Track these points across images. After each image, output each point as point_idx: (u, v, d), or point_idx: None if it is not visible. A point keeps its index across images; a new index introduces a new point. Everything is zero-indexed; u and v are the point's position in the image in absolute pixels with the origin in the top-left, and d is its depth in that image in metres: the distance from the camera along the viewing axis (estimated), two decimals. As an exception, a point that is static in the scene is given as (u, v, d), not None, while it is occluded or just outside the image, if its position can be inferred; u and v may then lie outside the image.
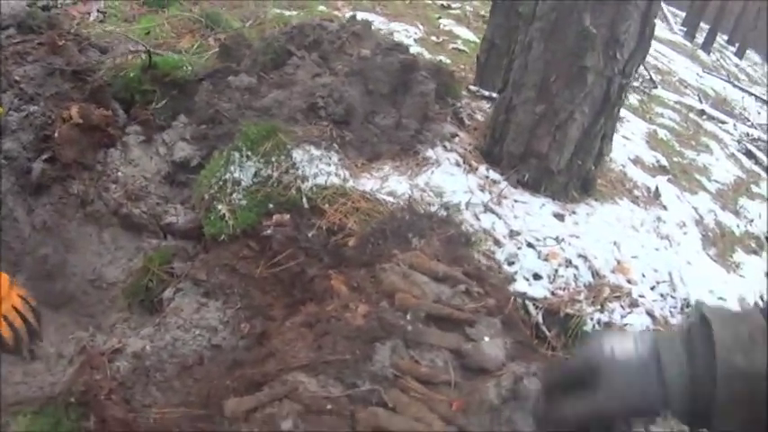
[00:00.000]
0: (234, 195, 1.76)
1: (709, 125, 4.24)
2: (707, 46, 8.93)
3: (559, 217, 1.90)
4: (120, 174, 2.12)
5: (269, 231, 1.68)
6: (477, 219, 1.73)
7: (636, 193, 2.39)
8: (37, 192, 2.04)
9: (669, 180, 2.79)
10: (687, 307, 1.79)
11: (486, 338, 1.32)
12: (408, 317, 1.29)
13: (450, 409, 1.23)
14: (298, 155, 1.78)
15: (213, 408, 1.40)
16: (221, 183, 1.80)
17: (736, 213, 3.01)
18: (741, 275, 2.37)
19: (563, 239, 1.79)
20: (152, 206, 2.03)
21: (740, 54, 10.86)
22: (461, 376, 1.26)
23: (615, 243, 1.91)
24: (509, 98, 2.01)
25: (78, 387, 1.47)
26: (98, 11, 3.08)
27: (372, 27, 2.39)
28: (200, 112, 2.14)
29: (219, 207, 1.76)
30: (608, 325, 1.58)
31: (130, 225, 2.04)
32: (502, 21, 2.53)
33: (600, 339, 0.97)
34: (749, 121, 5.18)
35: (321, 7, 3.53)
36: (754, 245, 2.81)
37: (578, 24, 1.84)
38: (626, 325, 1.61)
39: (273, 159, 1.78)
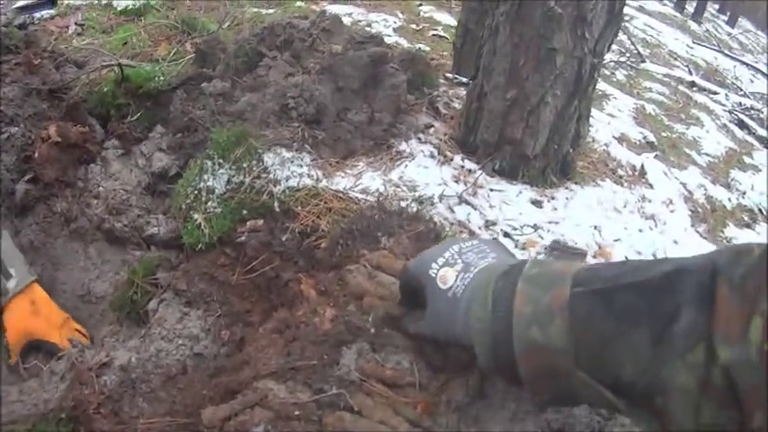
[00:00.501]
0: (209, 204, 1.77)
1: (699, 97, 4.19)
2: (697, 16, 8.80)
3: (537, 204, 1.89)
4: (101, 189, 2.13)
5: (243, 238, 1.68)
6: (452, 211, 1.72)
7: (620, 172, 2.37)
8: (22, 212, 2.06)
9: (656, 156, 2.76)
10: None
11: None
12: (371, 319, 1.29)
13: (415, 410, 1.22)
14: (269, 158, 1.78)
15: (196, 416, 1.41)
16: (196, 192, 1.81)
17: (728, 186, 2.98)
18: (734, 251, 2.35)
19: (541, 227, 1.77)
20: (133, 218, 2.04)
21: (732, 23, 10.71)
22: (428, 377, 1.25)
23: (596, 227, 1.90)
24: (480, 85, 1.99)
25: (68, 403, 1.51)
26: (76, 24, 3.08)
27: (344, 21, 2.38)
28: (176, 122, 2.15)
29: (195, 216, 1.77)
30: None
31: (114, 239, 2.06)
32: (475, 5, 2.50)
33: (433, 257, 1.04)
34: (741, 90, 5.12)
35: (299, 3, 3.51)
36: (746, 218, 2.78)
37: (543, 5, 1.81)
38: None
39: (245, 165, 1.78)
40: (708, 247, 2.21)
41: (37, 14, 3.06)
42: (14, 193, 2.02)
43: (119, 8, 3.17)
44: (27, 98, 2.19)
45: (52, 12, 3.16)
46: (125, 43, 2.79)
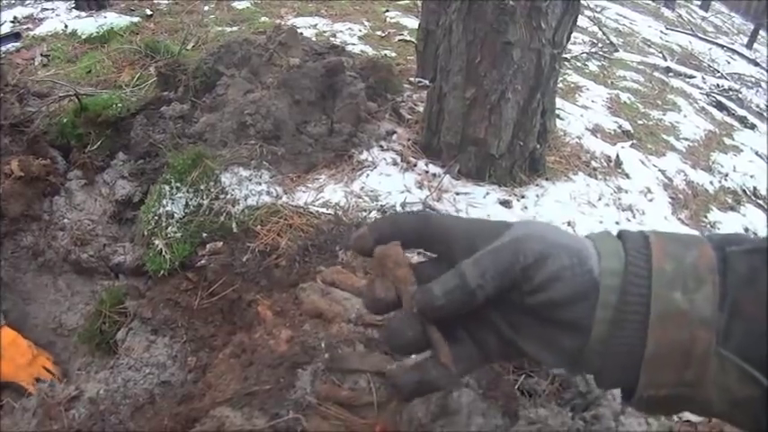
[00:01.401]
0: (169, 229, 1.73)
1: (676, 82, 4.16)
2: (670, 2, 8.83)
3: (506, 204, 1.84)
4: (66, 220, 2.11)
5: (204, 261, 1.64)
6: (416, 218, 1.68)
7: (594, 164, 2.33)
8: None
9: (633, 145, 2.72)
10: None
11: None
12: (325, 341, 1.25)
13: None
14: (226, 179, 1.75)
15: (162, 450, 1.39)
16: (156, 218, 1.77)
17: (709, 170, 2.93)
18: (719, 236, 2.31)
19: (510, 227, 1.73)
20: (99, 248, 2.01)
21: (705, 6, 10.75)
22: (387, 396, 1.21)
23: (569, 223, 1.86)
24: (439, 86, 1.95)
25: None
26: (42, 54, 3.06)
27: (305, 33, 2.35)
28: (137, 148, 2.12)
29: (156, 242, 1.73)
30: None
31: (82, 270, 2.04)
32: (434, 6, 2.46)
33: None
34: (718, 72, 5.09)
35: (263, 18, 3.48)
36: (730, 200, 2.74)
37: None
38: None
39: (202, 187, 1.74)
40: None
41: (3, 48, 3.04)
42: (-20, 232, 1.98)
43: (83, 36, 3.16)
44: (-12, 134, 2.16)
45: (17, 44, 3.14)
46: (89, 71, 2.77)
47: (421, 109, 2.19)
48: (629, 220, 2.07)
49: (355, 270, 1.42)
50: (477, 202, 1.81)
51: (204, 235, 1.68)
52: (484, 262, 0.68)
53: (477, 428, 1.27)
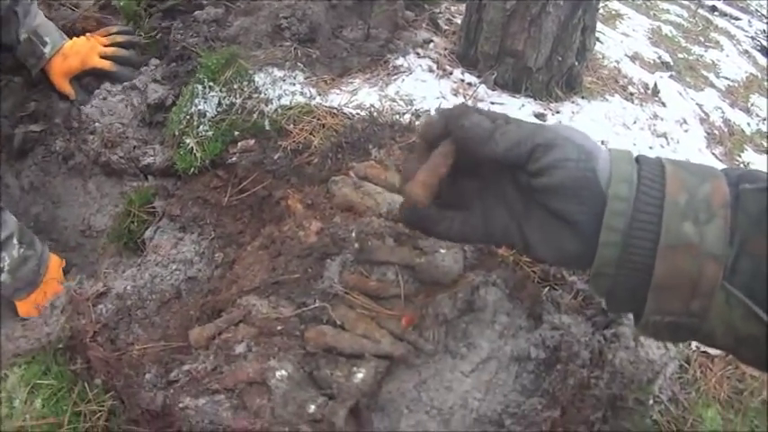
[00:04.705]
0: (200, 128, 1.72)
1: (720, 21, 4.03)
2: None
3: (541, 117, 1.81)
4: (97, 124, 2.10)
5: (235, 159, 1.63)
6: (449, 124, 1.66)
7: (631, 89, 2.27)
8: (21, 156, 2.07)
9: (671, 77, 2.65)
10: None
11: (442, 250, 1.25)
12: (355, 232, 1.24)
13: (399, 323, 1.18)
14: (260, 78, 1.72)
15: (188, 339, 1.40)
16: (188, 117, 1.76)
17: (748, 111, 2.86)
18: (751, 176, 2.25)
19: (545, 140, 1.70)
20: (129, 150, 2.01)
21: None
22: (415, 290, 1.21)
23: (603, 142, 1.82)
24: (479, -4, 1.90)
25: (66, 333, 1.49)
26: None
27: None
28: (170, 52, 2.10)
29: (188, 141, 1.72)
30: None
31: (111, 172, 2.04)
32: None
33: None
34: (766, 17, 4.93)
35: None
36: (766, 144, 2.67)
37: None
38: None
39: (236, 86, 1.72)
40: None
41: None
42: (13, 139, 2.03)
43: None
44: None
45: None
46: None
47: (459, 21, 2.14)
48: (662, 147, 2.03)
49: (387, 167, 1.41)
50: (512, 113, 1.74)
51: (236, 133, 1.67)
52: (510, 127, 0.77)
53: (502, 327, 1.27)
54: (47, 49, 1.92)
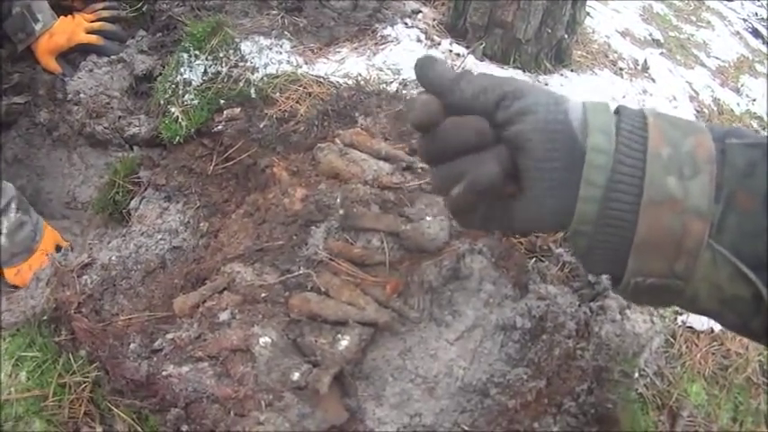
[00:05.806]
0: (186, 96, 1.70)
1: (712, 2, 4.01)
2: None
3: (530, 88, 1.79)
4: (81, 95, 2.07)
5: (220, 127, 1.62)
6: (437, 93, 1.64)
7: (620, 65, 2.26)
8: (5, 127, 2.04)
9: (662, 54, 2.64)
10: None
11: (428, 218, 1.24)
12: (340, 199, 1.23)
13: (384, 290, 1.17)
14: (246, 47, 1.70)
15: (172, 308, 1.39)
16: (174, 86, 1.74)
17: (737, 91, 2.85)
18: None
19: (532, 111, 1.69)
20: (113, 120, 1.98)
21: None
22: (400, 257, 1.20)
23: (591, 114, 1.81)
24: (469, -34, 1.88)
25: (50, 305, 1.49)
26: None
27: None
28: (156, 22, 2.07)
29: (173, 110, 1.71)
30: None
31: (96, 143, 2.02)
32: None
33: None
34: (759, 0, 4.92)
35: None
36: (755, 125, 2.67)
37: None
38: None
39: (221, 55, 1.70)
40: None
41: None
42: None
43: None
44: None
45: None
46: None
47: (447, -7, 2.13)
48: (651, 122, 2.02)
49: (374, 135, 1.39)
50: (501, 85, 1.76)
51: (222, 102, 1.65)
52: (476, 76, 0.74)
53: (488, 295, 1.26)
54: (38, 27, 1.91)
